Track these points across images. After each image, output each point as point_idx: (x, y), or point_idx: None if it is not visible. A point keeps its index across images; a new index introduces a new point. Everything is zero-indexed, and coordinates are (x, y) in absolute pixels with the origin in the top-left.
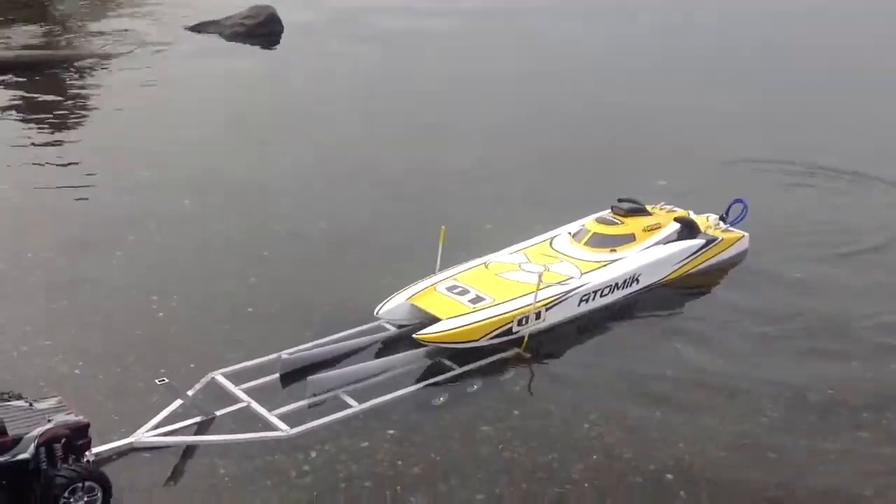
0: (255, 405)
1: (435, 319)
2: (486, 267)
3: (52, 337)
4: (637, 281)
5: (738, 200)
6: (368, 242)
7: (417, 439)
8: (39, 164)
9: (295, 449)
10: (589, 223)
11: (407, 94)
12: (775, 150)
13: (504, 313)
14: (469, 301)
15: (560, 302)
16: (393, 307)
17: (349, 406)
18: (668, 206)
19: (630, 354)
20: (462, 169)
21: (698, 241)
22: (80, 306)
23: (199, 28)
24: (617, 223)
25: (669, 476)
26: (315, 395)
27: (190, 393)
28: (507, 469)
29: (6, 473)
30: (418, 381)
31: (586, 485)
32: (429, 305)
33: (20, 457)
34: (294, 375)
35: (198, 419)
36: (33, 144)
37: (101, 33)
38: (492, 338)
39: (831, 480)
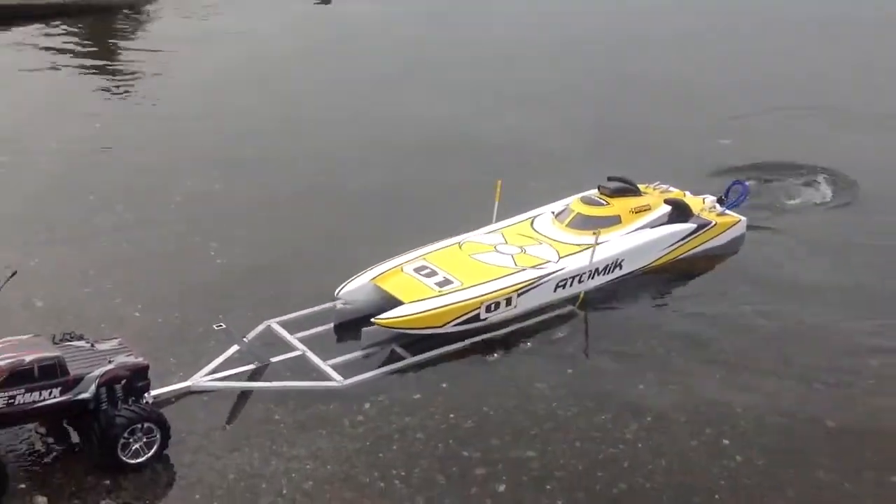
0: (310, 354)
1: (398, 302)
2: (460, 247)
3: (114, 279)
4: (620, 266)
5: (738, 182)
6: (422, 199)
7: (470, 393)
8: (101, 108)
9: (349, 399)
10: (573, 203)
11: (455, 53)
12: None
13: (471, 299)
14: (436, 284)
15: (533, 287)
16: (354, 288)
17: (403, 358)
18: (664, 186)
19: (689, 317)
20: (512, 125)
21: (689, 226)
22: (141, 250)
23: None
24: (602, 204)
25: (726, 441)
26: (370, 345)
27: (246, 339)
28: (560, 427)
29: (67, 412)
30: (472, 335)
31: (640, 445)
32: (393, 287)
33: (81, 396)
34: (349, 326)
35: (254, 365)
36: (96, 89)
37: None
38: (457, 325)
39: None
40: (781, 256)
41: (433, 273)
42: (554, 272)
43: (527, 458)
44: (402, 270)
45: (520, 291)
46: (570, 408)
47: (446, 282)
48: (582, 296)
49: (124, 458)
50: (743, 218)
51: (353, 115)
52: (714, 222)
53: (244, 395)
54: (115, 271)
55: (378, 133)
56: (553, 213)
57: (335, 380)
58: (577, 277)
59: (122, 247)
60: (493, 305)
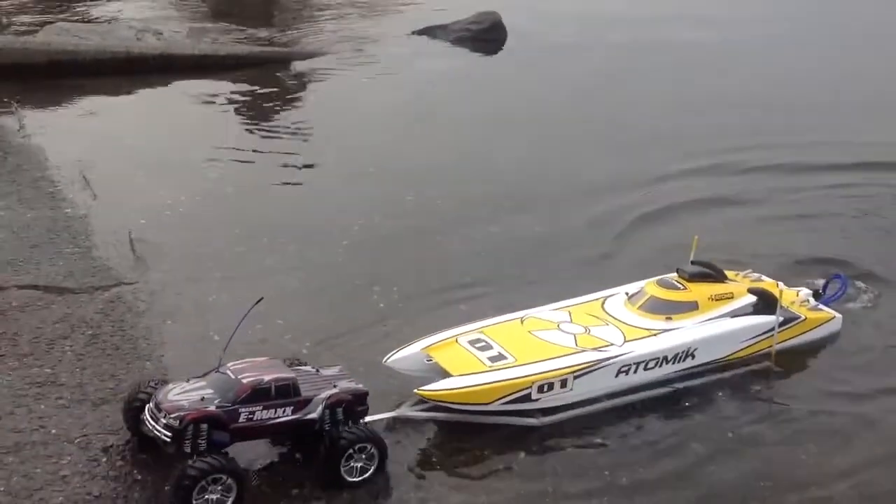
0: None
1: (448, 374)
2: (522, 322)
3: (284, 317)
4: (692, 356)
5: (837, 276)
6: (575, 248)
7: (627, 451)
8: (270, 156)
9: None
10: (648, 285)
11: (606, 111)
12: None
13: (522, 377)
14: (488, 358)
15: (592, 370)
16: (404, 356)
17: (599, 401)
18: (755, 275)
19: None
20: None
21: (773, 318)
22: (309, 290)
23: (425, 32)
24: (679, 288)
25: None
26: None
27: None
28: (718, 493)
29: (296, 430)
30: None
31: None
32: (443, 358)
33: (309, 416)
34: None
35: None
36: (264, 137)
37: (328, 33)
38: (506, 403)
39: None
40: None
41: (488, 347)
42: (616, 356)
43: None
44: (456, 342)
45: (576, 374)
46: (728, 472)
47: (500, 357)
48: (774, 353)
49: (346, 476)
50: (838, 315)
51: (538, 167)
52: (804, 317)
53: (446, 424)
54: (286, 309)
55: (543, 179)
56: (627, 294)
57: (532, 419)
58: (643, 364)
59: (293, 286)
60: (545, 386)
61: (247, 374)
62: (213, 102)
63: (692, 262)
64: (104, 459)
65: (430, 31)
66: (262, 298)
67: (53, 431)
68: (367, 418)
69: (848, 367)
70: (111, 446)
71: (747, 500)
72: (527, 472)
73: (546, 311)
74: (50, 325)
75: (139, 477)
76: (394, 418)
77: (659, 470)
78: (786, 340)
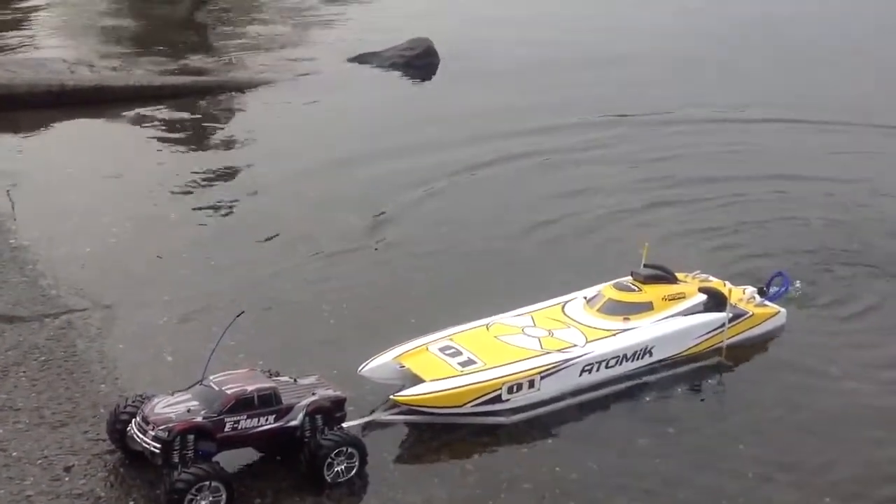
0: None
1: (421, 380)
2: (487, 329)
3: (235, 336)
4: (650, 353)
5: (779, 273)
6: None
7: (575, 447)
8: (210, 182)
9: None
10: (605, 288)
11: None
12: None
13: (492, 379)
14: (459, 364)
15: (557, 371)
16: (378, 365)
17: (564, 398)
18: (703, 276)
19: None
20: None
21: (723, 315)
22: (257, 311)
23: (360, 59)
24: (634, 290)
25: (828, 499)
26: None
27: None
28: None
29: (279, 437)
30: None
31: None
32: (415, 365)
33: (291, 423)
34: None
35: None
36: (203, 163)
37: (263, 61)
38: (478, 405)
39: None
40: None
41: (457, 353)
42: (579, 356)
43: None
44: (427, 349)
45: (542, 374)
46: (672, 467)
47: (469, 362)
48: (724, 348)
49: (329, 479)
50: (782, 310)
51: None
52: (751, 313)
53: (421, 425)
54: (236, 329)
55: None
56: (585, 298)
57: (501, 416)
58: (604, 363)
59: (240, 307)
60: (515, 387)
61: (230, 385)
62: (151, 132)
63: (644, 266)
64: (67, 479)
65: (364, 58)
66: (242, 312)
67: (14, 454)
68: (345, 424)
69: (793, 360)
70: (73, 466)
71: (692, 491)
72: (483, 468)
73: (510, 318)
74: (2, 352)
75: (103, 495)
76: (370, 422)
77: (607, 465)
78: (736, 335)
